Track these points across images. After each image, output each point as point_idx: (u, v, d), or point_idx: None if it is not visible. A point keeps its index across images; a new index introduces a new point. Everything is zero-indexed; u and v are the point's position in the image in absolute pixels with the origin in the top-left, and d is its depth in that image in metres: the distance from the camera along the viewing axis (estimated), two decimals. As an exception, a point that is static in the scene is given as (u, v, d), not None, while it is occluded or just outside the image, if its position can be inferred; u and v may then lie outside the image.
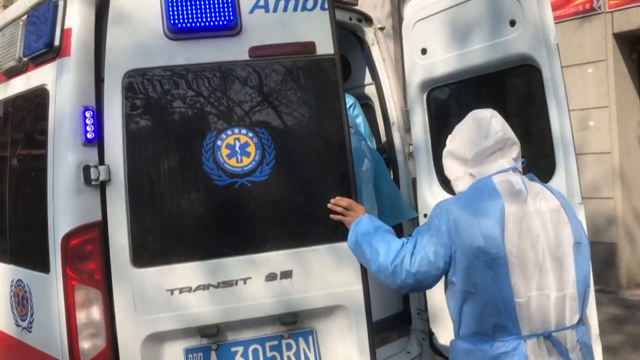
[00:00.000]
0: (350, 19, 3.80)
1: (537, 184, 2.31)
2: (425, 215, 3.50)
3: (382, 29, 3.96)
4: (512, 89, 3.54)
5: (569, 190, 2.83)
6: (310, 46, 2.69)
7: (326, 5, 2.70)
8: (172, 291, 2.55)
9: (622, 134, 6.67)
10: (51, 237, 2.51)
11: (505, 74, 3.25)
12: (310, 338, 2.70)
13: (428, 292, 3.41)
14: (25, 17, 2.82)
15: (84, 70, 2.54)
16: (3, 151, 3.08)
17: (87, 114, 2.49)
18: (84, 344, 2.45)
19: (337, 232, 2.67)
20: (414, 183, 3.86)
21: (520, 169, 2.32)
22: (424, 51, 3.54)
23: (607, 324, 5.58)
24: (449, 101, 3.77)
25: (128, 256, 2.52)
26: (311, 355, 2.69)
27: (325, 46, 2.71)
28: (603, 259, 6.61)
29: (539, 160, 3.08)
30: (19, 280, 2.83)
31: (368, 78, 4.07)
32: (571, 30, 6.77)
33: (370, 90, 4.12)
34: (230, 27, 2.61)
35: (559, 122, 2.85)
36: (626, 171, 6.75)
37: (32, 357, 2.74)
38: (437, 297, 3.21)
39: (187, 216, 2.64)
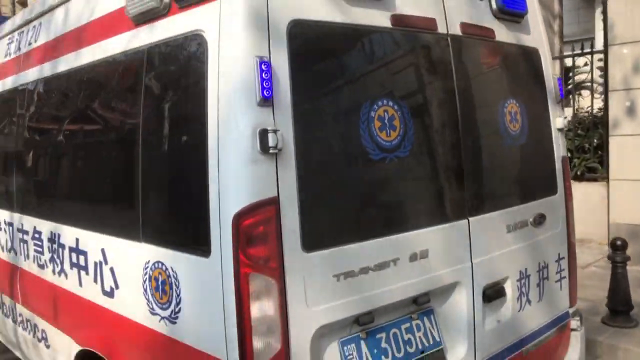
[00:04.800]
0: None
1: None
2: None
3: None
4: None
5: None
6: (432, 23, 2.64)
7: None
8: (338, 277, 2.26)
9: None
10: (215, 215, 2.08)
11: None
12: (432, 317, 2.65)
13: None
14: None
15: (256, 11, 2.08)
16: (147, 111, 2.58)
17: (264, 67, 2.04)
18: (258, 344, 2.05)
19: (455, 210, 2.70)
20: (564, 162, 3.41)
21: None
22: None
23: None
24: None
25: (299, 238, 2.14)
26: (435, 334, 2.63)
27: (441, 24, 2.69)
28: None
29: None
30: (158, 262, 2.41)
31: None
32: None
33: None
34: None
35: None
36: None
37: (175, 352, 2.34)
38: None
39: (351, 192, 2.42)
